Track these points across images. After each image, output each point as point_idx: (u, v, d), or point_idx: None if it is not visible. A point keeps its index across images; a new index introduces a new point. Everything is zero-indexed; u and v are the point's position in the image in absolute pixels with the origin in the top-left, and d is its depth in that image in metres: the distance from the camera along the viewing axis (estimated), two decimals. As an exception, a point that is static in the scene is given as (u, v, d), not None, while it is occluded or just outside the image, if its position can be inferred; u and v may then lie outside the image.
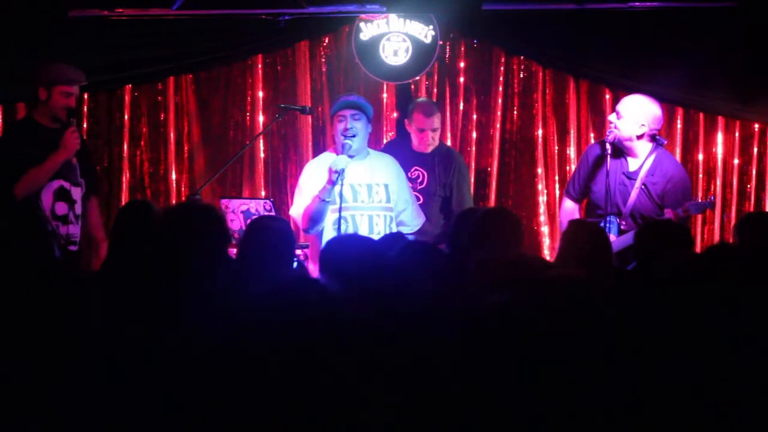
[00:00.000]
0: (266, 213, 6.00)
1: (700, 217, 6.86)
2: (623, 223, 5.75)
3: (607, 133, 5.83)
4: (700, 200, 5.81)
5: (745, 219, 4.98)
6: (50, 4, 6.64)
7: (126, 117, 7.14)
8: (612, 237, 5.63)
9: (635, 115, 5.77)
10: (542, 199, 7.19)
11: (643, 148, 5.81)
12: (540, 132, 7.18)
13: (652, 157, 5.79)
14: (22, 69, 6.16)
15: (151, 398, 2.81)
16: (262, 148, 7.20)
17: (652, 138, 5.81)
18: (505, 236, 4.29)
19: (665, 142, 5.99)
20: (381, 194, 5.74)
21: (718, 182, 7.00)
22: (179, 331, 2.92)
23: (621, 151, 5.84)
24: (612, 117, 5.87)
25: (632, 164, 5.83)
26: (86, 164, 5.82)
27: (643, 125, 5.77)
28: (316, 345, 2.70)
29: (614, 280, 3.99)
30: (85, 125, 7.07)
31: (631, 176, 5.80)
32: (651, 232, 4.32)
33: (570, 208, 6.10)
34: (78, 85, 5.66)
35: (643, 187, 5.77)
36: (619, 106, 5.87)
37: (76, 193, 5.68)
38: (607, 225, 5.67)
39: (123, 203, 6.91)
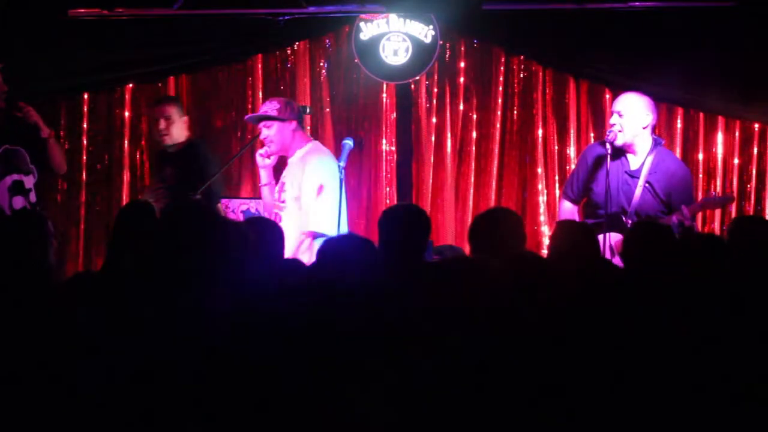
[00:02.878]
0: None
1: (700, 217, 6.85)
2: (629, 222, 5.74)
3: (608, 133, 5.83)
4: (718, 195, 5.88)
5: (735, 222, 5.01)
6: (50, 4, 6.63)
7: (126, 116, 7.14)
8: (617, 236, 5.63)
9: (638, 108, 5.83)
10: (542, 199, 7.18)
11: (644, 143, 5.83)
12: (540, 132, 7.17)
13: (653, 154, 5.81)
14: (22, 69, 6.16)
15: (154, 398, 2.81)
16: (262, 148, 7.19)
17: (653, 130, 5.86)
18: (505, 236, 4.28)
19: (663, 142, 6.03)
20: (293, 193, 5.79)
21: (718, 182, 7.00)
22: (180, 332, 2.92)
23: (621, 149, 5.85)
24: (614, 119, 5.85)
25: (633, 162, 5.85)
26: (35, 147, 5.79)
27: (648, 114, 5.82)
28: (315, 342, 2.71)
29: (604, 276, 4.01)
30: (85, 125, 7.08)
31: (634, 174, 5.81)
32: (639, 232, 4.33)
33: (569, 210, 6.10)
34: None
35: (647, 185, 5.78)
36: (618, 106, 5.87)
37: (29, 181, 5.74)
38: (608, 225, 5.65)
39: (123, 202, 6.92)
